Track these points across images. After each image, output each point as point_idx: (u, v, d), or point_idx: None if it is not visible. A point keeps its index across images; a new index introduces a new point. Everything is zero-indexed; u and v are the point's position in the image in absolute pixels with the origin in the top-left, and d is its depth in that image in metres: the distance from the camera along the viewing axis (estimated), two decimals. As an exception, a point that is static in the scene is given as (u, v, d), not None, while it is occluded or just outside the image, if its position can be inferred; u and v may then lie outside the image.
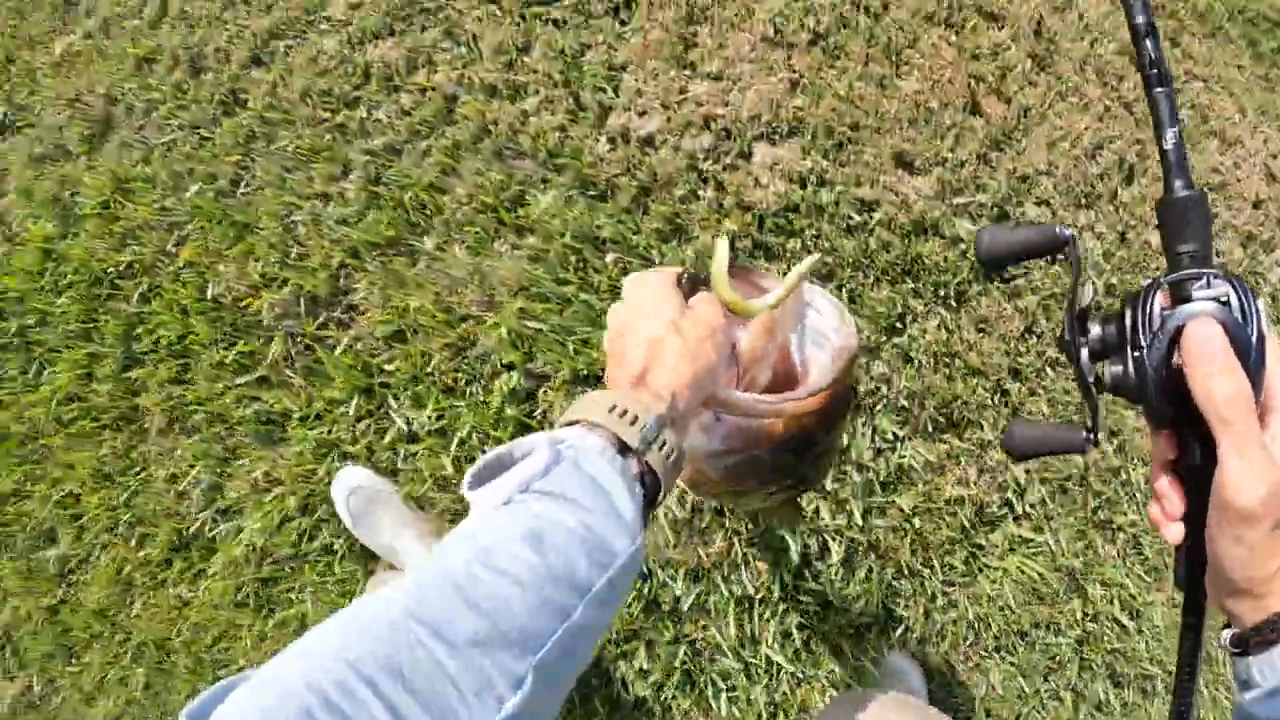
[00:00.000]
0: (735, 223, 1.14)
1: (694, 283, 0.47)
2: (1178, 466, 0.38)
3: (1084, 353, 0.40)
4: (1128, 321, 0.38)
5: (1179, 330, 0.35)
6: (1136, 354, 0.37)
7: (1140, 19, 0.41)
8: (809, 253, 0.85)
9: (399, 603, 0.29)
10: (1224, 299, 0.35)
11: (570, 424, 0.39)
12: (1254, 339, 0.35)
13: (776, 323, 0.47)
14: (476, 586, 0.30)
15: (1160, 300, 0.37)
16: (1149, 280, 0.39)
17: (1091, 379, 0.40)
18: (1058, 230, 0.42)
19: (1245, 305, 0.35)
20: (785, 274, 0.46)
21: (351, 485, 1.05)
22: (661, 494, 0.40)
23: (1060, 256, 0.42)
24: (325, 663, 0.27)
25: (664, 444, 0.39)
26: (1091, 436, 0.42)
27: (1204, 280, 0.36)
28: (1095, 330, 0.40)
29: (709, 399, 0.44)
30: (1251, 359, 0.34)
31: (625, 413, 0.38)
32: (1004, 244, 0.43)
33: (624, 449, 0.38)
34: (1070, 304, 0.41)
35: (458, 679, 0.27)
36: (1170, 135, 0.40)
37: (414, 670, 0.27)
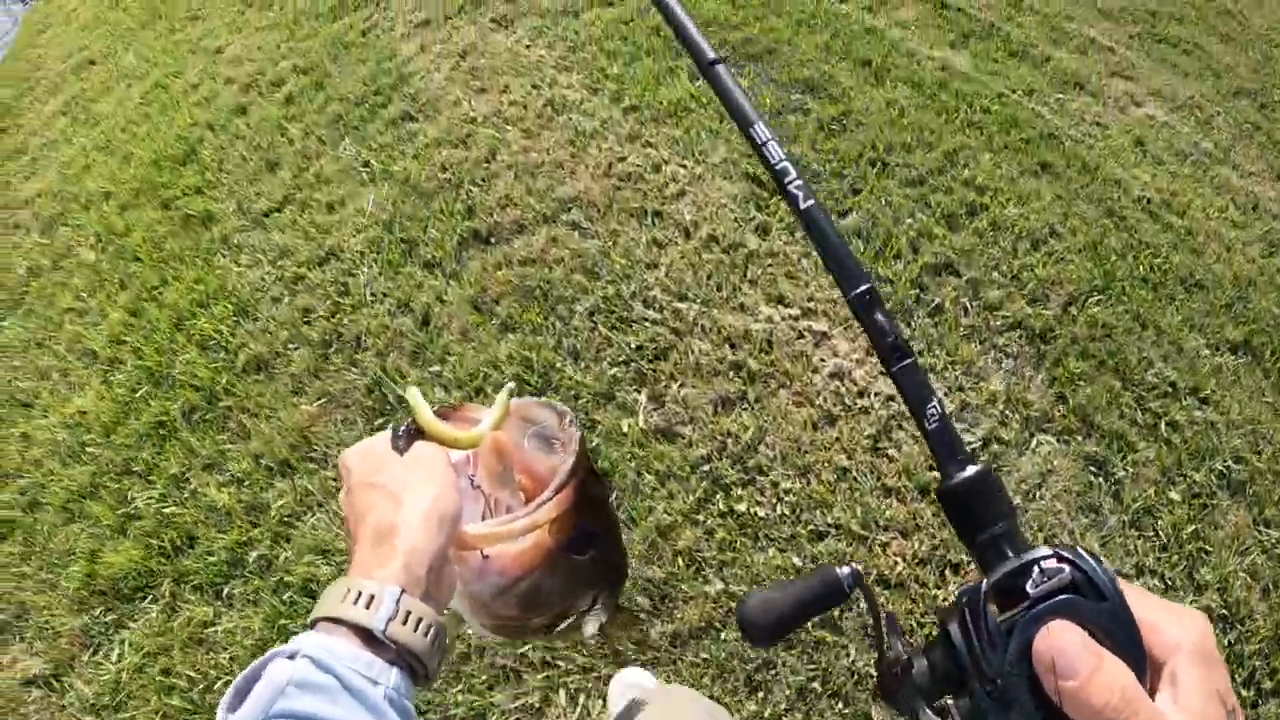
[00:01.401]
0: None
1: (410, 435, 0.43)
2: None
3: (920, 704, 0.31)
4: (961, 648, 0.30)
5: (1028, 645, 0.28)
6: (986, 687, 0.29)
7: (864, 286, 0.36)
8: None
9: None
10: (1067, 582, 0.29)
11: (316, 621, 0.35)
12: (1115, 610, 0.28)
13: (503, 444, 0.44)
14: None
15: (992, 618, 0.29)
16: (966, 587, 0.31)
17: None
18: (838, 572, 0.35)
19: (1092, 575, 0.29)
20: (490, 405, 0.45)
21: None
22: (428, 670, 0.36)
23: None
24: None
25: (408, 615, 0.35)
26: None
27: (1033, 573, 0.29)
28: (921, 668, 0.32)
29: (459, 541, 0.40)
30: (1120, 635, 0.28)
31: (360, 595, 0.35)
32: (776, 609, 0.35)
33: (372, 639, 0.34)
34: (881, 649, 0.35)
35: None
36: (931, 411, 0.34)
37: None
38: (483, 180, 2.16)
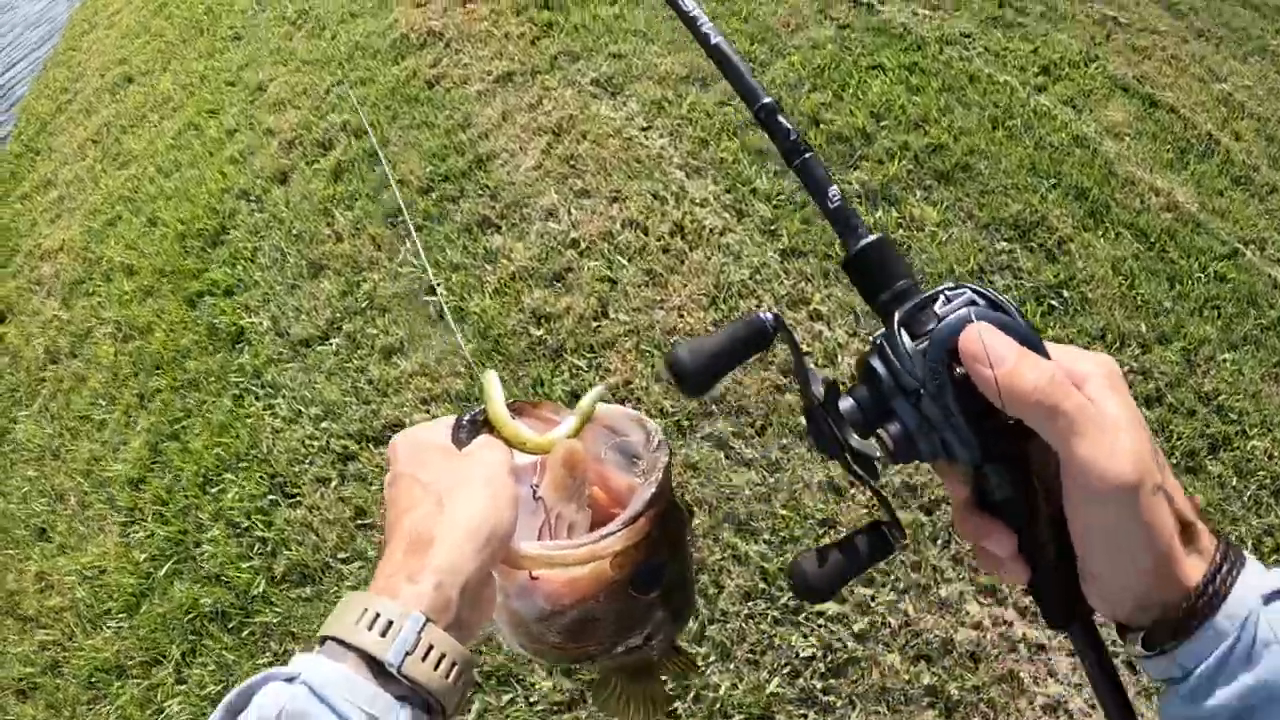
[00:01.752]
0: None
1: (474, 427, 0.38)
2: (984, 502, 0.32)
3: (850, 435, 0.33)
4: (882, 373, 0.32)
5: (951, 350, 0.30)
6: (911, 400, 0.31)
7: (765, 99, 0.39)
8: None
9: None
10: (975, 302, 0.31)
11: (325, 639, 0.31)
12: (1018, 326, 0.30)
13: (578, 455, 0.38)
14: None
15: (906, 341, 0.32)
16: (881, 331, 0.33)
17: (875, 458, 0.33)
18: (762, 316, 0.36)
19: (991, 296, 0.31)
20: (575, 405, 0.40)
21: None
22: (445, 709, 0.32)
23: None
24: None
25: (430, 649, 0.30)
26: (895, 531, 0.34)
27: (940, 297, 0.32)
28: (848, 404, 0.33)
29: (507, 557, 0.35)
30: (1032, 336, 0.30)
31: (376, 618, 0.30)
32: (708, 355, 0.35)
33: (380, 668, 0.30)
34: (805, 393, 0.35)
35: None
36: (833, 193, 0.37)
37: None
38: (591, 351, 1.68)
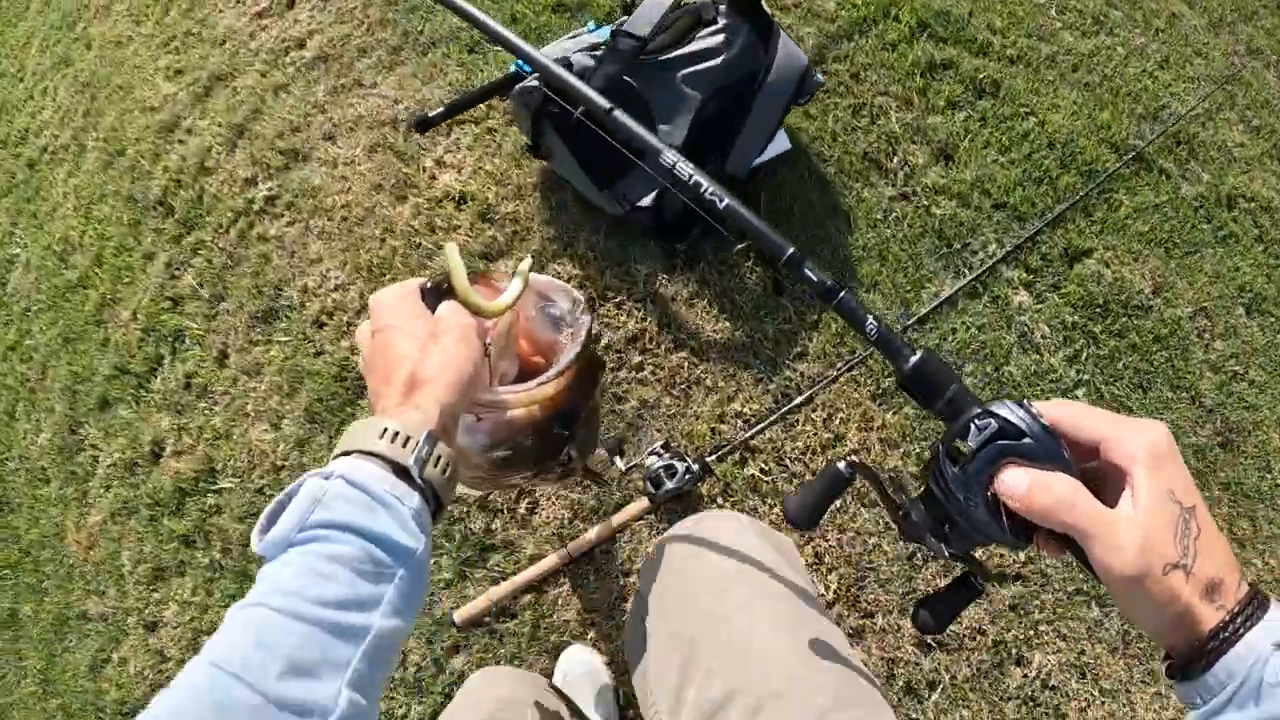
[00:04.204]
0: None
1: (438, 292, 0.46)
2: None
3: (929, 537, 0.43)
4: (939, 495, 0.41)
5: (984, 482, 0.39)
6: (961, 517, 0.41)
7: (790, 250, 0.51)
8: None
9: (204, 659, 0.32)
10: (998, 431, 0.38)
11: (345, 454, 0.39)
12: (1036, 441, 0.37)
13: (515, 316, 0.49)
14: (274, 632, 0.32)
15: (950, 470, 0.40)
16: (933, 443, 0.47)
17: (950, 551, 0.43)
18: (841, 467, 0.47)
19: (1020, 417, 0.38)
20: (511, 272, 0.49)
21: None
22: (443, 505, 0.42)
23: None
24: None
25: (438, 459, 0.40)
26: (978, 580, 0.45)
27: (970, 429, 0.39)
28: (919, 511, 0.43)
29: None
30: (1047, 456, 0.37)
31: (397, 435, 0.39)
32: (810, 503, 0.48)
33: (399, 470, 0.39)
34: (890, 510, 0.46)
35: (275, 714, 0.30)
36: (870, 326, 0.48)
37: (234, 714, 0.30)
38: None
